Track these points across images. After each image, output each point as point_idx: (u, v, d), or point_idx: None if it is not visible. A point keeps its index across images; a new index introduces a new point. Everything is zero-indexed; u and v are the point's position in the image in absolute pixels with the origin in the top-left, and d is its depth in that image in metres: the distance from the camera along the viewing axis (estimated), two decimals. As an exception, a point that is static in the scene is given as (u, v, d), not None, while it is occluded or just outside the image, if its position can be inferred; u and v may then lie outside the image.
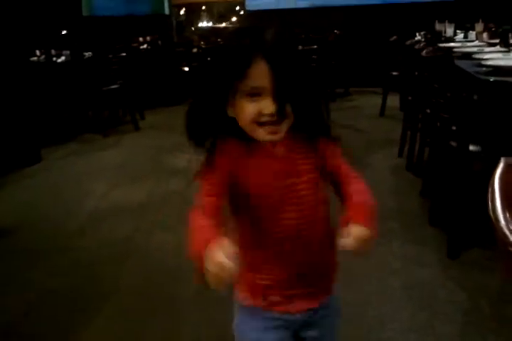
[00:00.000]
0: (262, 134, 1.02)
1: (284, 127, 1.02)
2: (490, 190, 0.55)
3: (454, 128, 2.54)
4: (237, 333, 1.19)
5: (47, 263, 2.71)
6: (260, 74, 0.97)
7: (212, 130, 1.07)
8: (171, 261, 2.63)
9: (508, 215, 0.50)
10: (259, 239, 1.09)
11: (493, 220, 0.51)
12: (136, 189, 3.76)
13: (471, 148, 2.43)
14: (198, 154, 1.08)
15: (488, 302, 2.10)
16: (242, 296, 1.15)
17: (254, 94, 0.99)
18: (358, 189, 1.09)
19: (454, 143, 2.52)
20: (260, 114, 0.99)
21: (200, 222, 0.97)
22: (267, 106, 0.98)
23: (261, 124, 1.01)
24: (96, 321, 2.15)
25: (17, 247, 2.94)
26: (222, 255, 0.82)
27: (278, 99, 0.98)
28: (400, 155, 4.05)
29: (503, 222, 0.49)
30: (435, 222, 2.81)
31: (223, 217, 1.05)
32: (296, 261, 1.10)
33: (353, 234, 0.94)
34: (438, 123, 2.81)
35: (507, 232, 0.48)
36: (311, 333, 1.17)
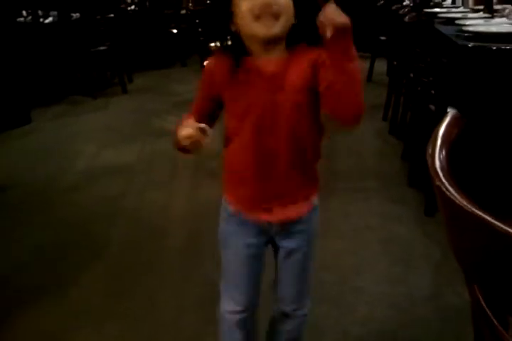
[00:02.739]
0: (260, 28, 1.08)
1: (280, 23, 1.08)
2: (433, 137, 0.64)
3: (433, 92, 2.63)
4: (220, 233, 1.32)
5: (37, 219, 2.80)
6: None
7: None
8: (160, 218, 2.74)
9: (442, 158, 0.60)
10: (242, 150, 1.20)
11: (429, 162, 0.60)
12: (126, 150, 3.83)
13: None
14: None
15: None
16: (227, 201, 1.28)
17: None
18: None
19: (432, 107, 2.61)
20: (255, 3, 1.06)
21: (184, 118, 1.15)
22: None
23: (259, 17, 1.07)
24: (85, 276, 2.23)
25: (7, 204, 3.02)
26: (193, 121, 1.07)
27: None
28: (385, 119, 4.14)
29: (437, 162, 0.59)
30: (414, 182, 2.93)
31: (209, 122, 1.18)
32: (275, 174, 1.19)
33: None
34: (419, 88, 2.89)
35: (438, 169, 0.58)
36: (287, 243, 1.27)
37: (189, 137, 1.06)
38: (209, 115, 1.22)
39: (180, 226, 2.64)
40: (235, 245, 1.28)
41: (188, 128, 1.06)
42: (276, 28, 1.08)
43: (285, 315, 1.39)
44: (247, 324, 1.36)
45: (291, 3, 1.09)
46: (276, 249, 1.31)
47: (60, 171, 3.49)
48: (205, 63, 1.22)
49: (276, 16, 1.07)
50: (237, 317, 1.34)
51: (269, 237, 1.28)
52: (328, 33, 1.01)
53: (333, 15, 1.01)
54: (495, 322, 0.59)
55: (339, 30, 1.01)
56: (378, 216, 2.63)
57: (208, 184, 3.02)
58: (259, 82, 1.14)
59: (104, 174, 3.39)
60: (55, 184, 3.28)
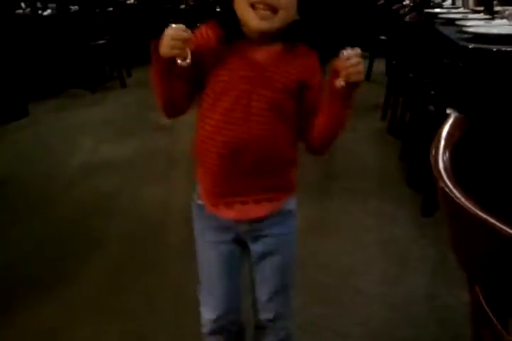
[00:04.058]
0: (254, 19, 1.00)
1: (278, 19, 1.00)
2: (436, 138, 0.64)
3: (432, 92, 2.64)
4: (195, 234, 1.28)
5: (35, 215, 2.79)
6: None
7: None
8: (157, 213, 2.74)
9: (445, 159, 0.60)
10: (208, 138, 1.14)
11: (433, 163, 0.60)
12: (123, 144, 3.83)
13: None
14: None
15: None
16: (197, 196, 1.24)
17: None
18: None
19: (432, 107, 2.62)
20: None
21: None
22: None
23: (255, 7, 1.00)
24: (85, 273, 2.23)
25: (5, 200, 3.01)
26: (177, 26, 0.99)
27: None
28: (383, 118, 4.15)
29: (441, 163, 0.59)
30: (412, 183, 2.93)
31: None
32: (238, 170, 1.14)
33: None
34: (419, 88, 2.90)
35: (442, 170, 0.58)
36: (257, 246, 1.22)
37: (174, 38, 1.00)
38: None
39: (178, 222, 2.63)
40: (203, 243, 1.25)
41: (175, 29, 1.01)
42: (272, 23, 1.01)
43: (262, 327, 1.31)
44: (227, 335, 1.29)
45: None
46: (248, 252, 1.26)
47: (57, 166, 3.48)
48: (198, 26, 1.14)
49: (273, 9, 0.99)
50: (215, 326, 1.27)
51: (236, 235, 1.22)
52: (341, 83, 1.00)
53: (356, 68, 1.00)
54: (496, 323, 0.59)
55: (354, 84, 1.01)
56: (376, 217, 2.63)
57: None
58: (245, 69, 1.07)
59: (101, 169, 3.39)
60: (52, 179, 3.27)
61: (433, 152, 0.62)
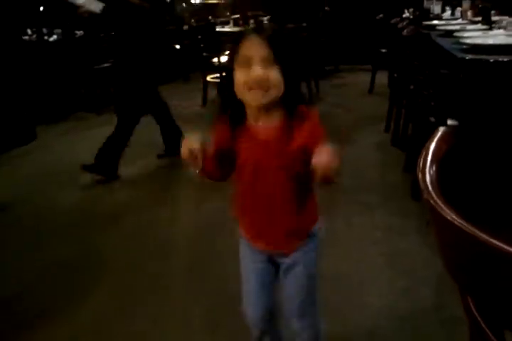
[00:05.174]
0: (250, 98, 1.23)
1: (270, 95, 1.22)
2: (424, 152, 0.66)
3: (432, 104, 2.66)
4: (240, 250, 1.48)
5: (43, 238, 2.82)
6: (251, 44, 1.21)
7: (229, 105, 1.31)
8: (163, 234, 2.77)
9: (432, 172, 0.62)
10: (242, 192, 1.37)
11: (420, 176, 0.62)
12: (129, 166, 3.86)
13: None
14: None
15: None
16: (240, 231, 1.45)
17: (246, 63, 1.20)
18: None
19: (433, 119, 2.64)
20: (249, 78, 1.20)
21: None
22: (254, 70, 1.19)
23: (250, 89, 1.21)
24: (91, 297, 2.24)
25: (15, 223, 3.06)
26: (192, 139, 1.22)
27: (264, 64, 1.19)
28: (387, 130, 4.17)
29: (428, 177, 0.61)
30: (417, 195, 2.94)
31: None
32: (269, 216, 1.35)
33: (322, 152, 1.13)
34: (419, 100, 2.92)
35: (428, 183, 0.60)
36: (284, 259, 1.41)
37: (186, 153, 1.22)
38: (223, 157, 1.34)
39: (184, 243, 2.65)
40: (245, 263, 1.46)
41: (187, 146, 1.21)
42: (265, 98, 1.22)
43: (295, 332, 1.47)
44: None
45: (281, 77, 1.22)
46: (277, 267, 1.44)
47: (64, 189, 3.52)
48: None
49: (266, 89, 1.21)
50: (254, 331, 1.47)
51: (269, 257, 1.43)
52: (318, 177, 1.13)
53: (330, 168, 1.11)
54: (489, 333, 0.60)
55: (328, 180, 1.14)
56: (381, 229, 2.63)
57: (213, 197, 3.04)
58: (256, 147, 1.29)
59: (108, 191, 3.42)
60: (59, 202, 3.31)
61: (420, 165, 0.64)
